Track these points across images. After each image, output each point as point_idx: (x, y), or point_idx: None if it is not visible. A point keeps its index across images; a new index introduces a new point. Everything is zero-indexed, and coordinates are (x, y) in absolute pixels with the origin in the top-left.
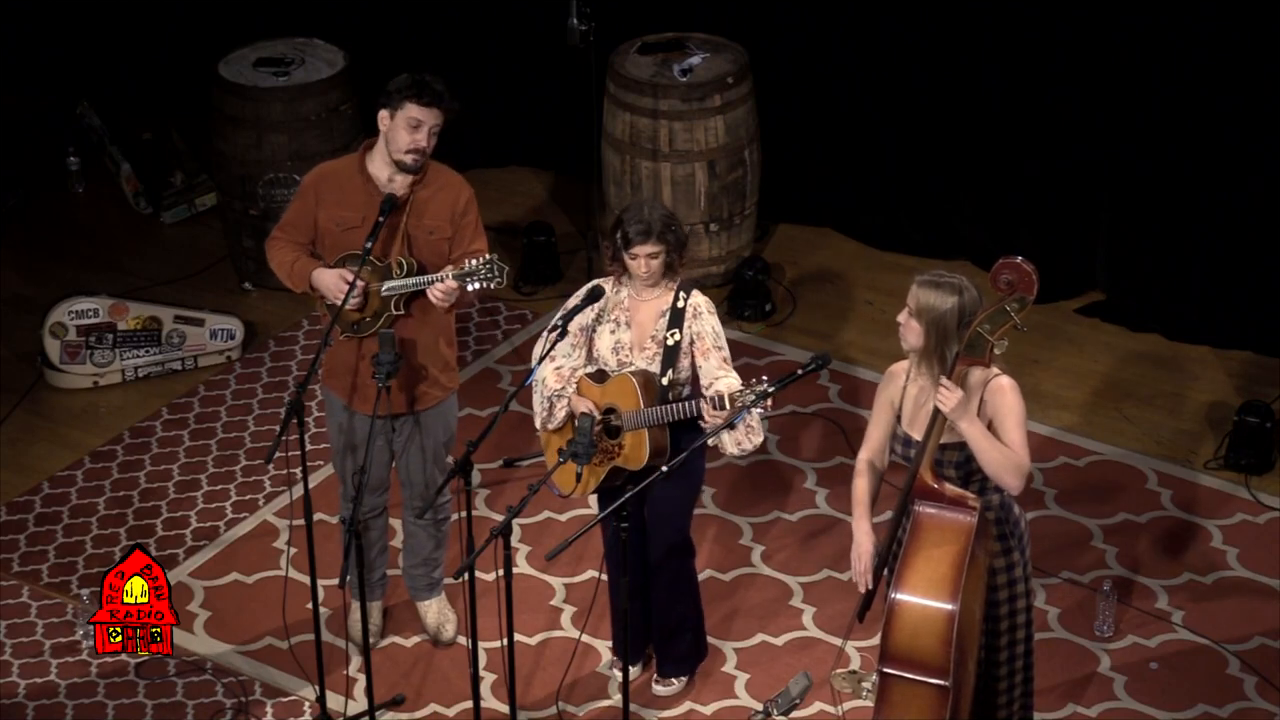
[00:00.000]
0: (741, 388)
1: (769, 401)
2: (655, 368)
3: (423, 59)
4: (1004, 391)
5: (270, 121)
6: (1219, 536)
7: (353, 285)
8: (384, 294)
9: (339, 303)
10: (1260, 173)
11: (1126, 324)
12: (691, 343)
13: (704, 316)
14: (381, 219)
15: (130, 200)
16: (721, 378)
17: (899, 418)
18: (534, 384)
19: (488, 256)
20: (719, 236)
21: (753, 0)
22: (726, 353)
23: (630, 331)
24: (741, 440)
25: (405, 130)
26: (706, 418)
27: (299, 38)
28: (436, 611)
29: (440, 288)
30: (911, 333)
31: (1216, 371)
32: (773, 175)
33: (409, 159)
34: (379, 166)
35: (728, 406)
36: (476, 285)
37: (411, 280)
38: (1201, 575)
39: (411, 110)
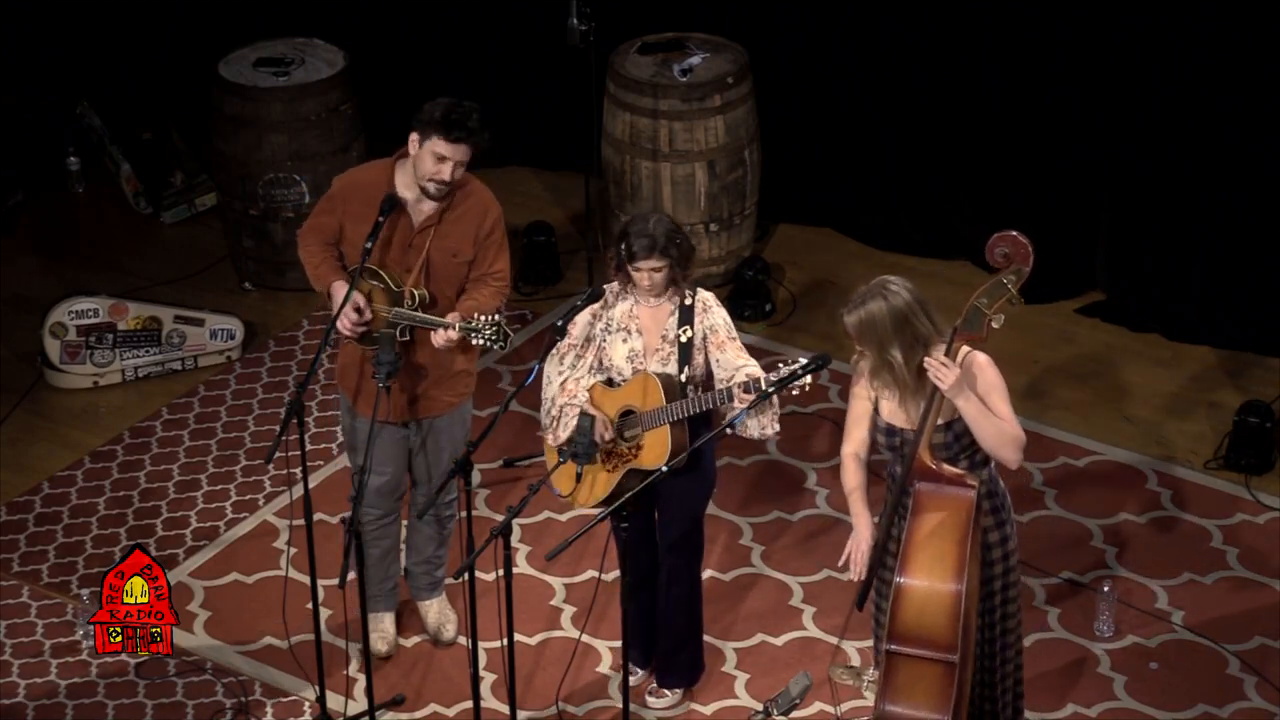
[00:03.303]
0: (779, 366)
1: (807, 380)
2: (672, 368)
3: (423, 59)
4: (983, 367)
5: (270, 121)
6: (1219, 536)
7: (347, 299)
8: (391, 319)
9: (346, 329)
10: (1260, 173)
11: (1126, 324)
12: (705, 338)
13: (714, 309)
14: (381, 219)
15: (130, 200)
16: (743, 366)
17: (876, 409)
18: (542, 400)
19: (496, 319)
20: (719, 236)
21: (753, 0)
22: (740, 341)
23: (642, 338)
24: (766, 425)
25: (431, 161)
26: (738, 402)
27: (299, 38)
28: (437, 611)
29: (441, 337)
30: (865, 355)
31: (1216, 371)
32: (773, 175)
33: (431, 188)
34: (407, 185)
35: (764, 387)
36: (479, 342)
37: (419, 316)
38: (1201, 575)
39: (438, 145)
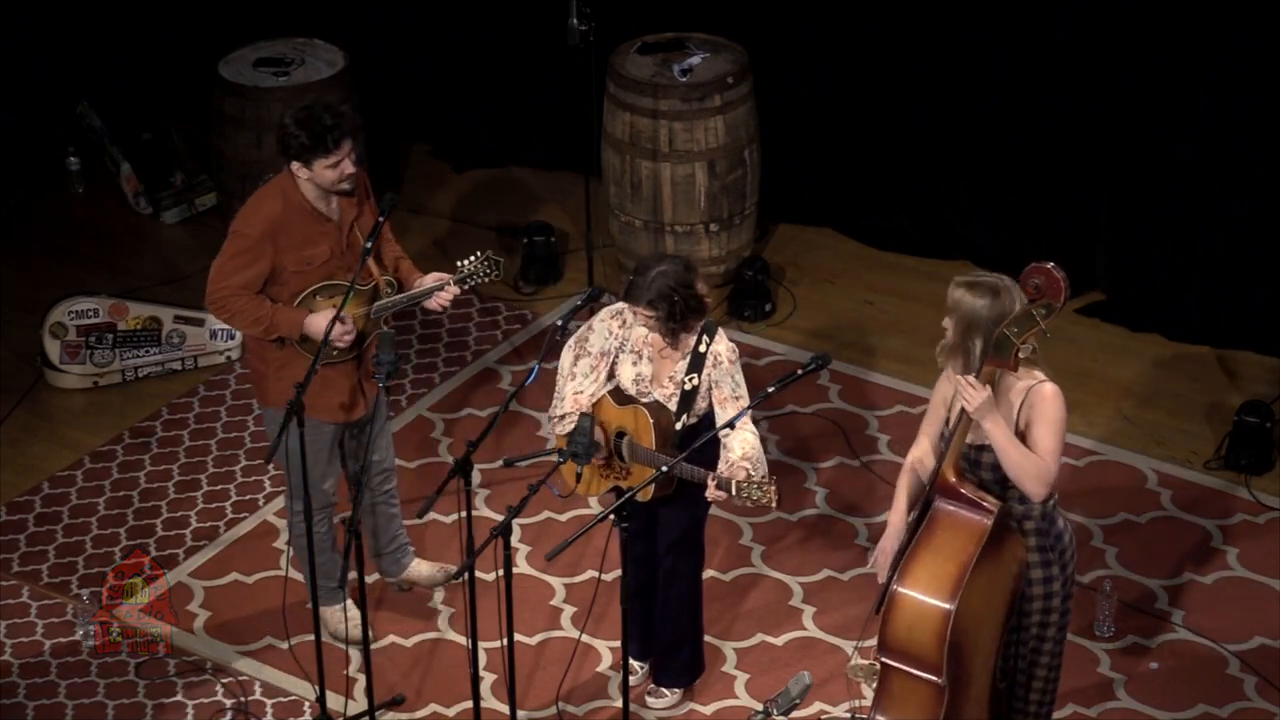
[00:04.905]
0: (752, 479)
1: (773, 504)
2: (672, 407)
3: (423, 59)
4: (1045, 397)
5: (270, 121)
6: (1219, 536)
7: (346, 301)
8: (373, 315)
9: (339, 340)
10: (1260, 173)
11: (1126, 324)
12: (710, 389)
13: (724, 366)
14: (382, 219)
15: (130, 200)
16: (735, 435)
17: (948, 419)
18: (556, 384)
19: (484, 254)
20: (719, 236)
21: (753, 0)
22: (745, 402)
23: (651, 366)
24: (743, 505)
25: (329, 173)
26: (709, 495)
27: (299, 38)
28: (426, 567)
29: (445, 297)
30: (948, 329)
31: (1216, 371)
32: (773, 175)
33: (346, 186)
34: (317, 199)
35: (733, 493)
36: (475, 283)
37: (404, 296)
38: (1201, 575)
39: (326, 160)
